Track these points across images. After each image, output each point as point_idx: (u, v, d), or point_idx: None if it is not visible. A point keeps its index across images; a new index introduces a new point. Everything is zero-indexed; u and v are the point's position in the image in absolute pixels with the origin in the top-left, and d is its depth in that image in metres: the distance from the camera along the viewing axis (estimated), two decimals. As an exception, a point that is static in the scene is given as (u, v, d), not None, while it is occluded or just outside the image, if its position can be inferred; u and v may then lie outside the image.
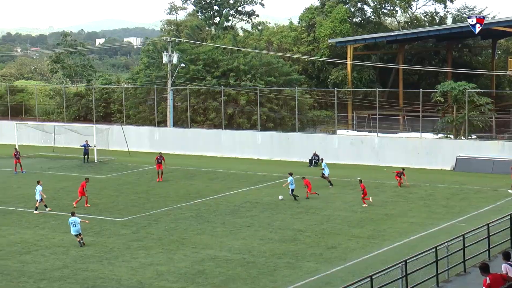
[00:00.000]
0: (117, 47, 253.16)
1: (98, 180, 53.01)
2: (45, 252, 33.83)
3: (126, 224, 39.38)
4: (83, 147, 61.93)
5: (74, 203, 43.74)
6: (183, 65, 73.11)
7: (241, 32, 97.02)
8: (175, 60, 71.09)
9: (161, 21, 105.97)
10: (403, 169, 51.02)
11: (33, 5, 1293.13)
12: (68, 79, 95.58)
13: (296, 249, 33.63)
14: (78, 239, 34.95)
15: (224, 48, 77.12)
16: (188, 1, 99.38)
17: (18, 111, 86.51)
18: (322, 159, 54.06)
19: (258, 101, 68.60)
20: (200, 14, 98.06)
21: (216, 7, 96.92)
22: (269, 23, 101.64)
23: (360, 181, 44.64)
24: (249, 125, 71.36)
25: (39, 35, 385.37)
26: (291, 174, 45.81)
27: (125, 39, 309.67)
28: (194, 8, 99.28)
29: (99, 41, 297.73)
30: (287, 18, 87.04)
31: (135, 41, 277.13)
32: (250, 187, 50.14)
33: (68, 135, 69.58)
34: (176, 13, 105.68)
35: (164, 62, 72.57)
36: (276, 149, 64.15)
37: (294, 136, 64.37)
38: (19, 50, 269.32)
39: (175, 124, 72.85)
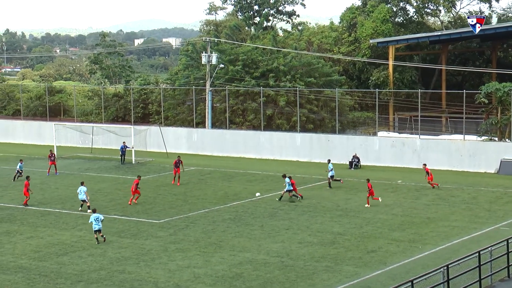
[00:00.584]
0: (156, 48, 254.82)
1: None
2: (82, 253, 34.18)
3: (164, 226, 39.62)
4: (121, 148, 62.45)
5: (130, 201, 45.10)
6: (222, 65, 73.36)
7: (281, 32, 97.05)
8: (214, 60, 71.35)
9: (200, 21, 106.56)
10: (425, 164, 50.73)
11: (72, 5, 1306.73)
12: (106, 80, 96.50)
13: (335, 252, 33.56)
14: (96, 236, 35.85)
15: (263, 49, 77.22)
16: (227, 1, 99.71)
17: (57, 112, 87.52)
18: (329, 160, 52.93)
19: (297, 102, 68.57)
20: (239, 14, 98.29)
21: (256, 7, 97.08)
22: (310, 23, 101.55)
23: (368, 180, 44.79)
24: (288, 127, 71.35)
25: (78, 36, 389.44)
26: (286, 176, 46.28)
27: (164, 40, 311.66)
28: (234, 8, 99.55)
29: (137, 42, 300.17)
30: (328, 18, 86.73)
31: (174, 42, 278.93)
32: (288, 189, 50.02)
33: (106, 136, 70.21)
34: (216, 13, 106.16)
35: (203, 62, 72.89)
36: (316, 151, 64.05)
37: (334, 138, 64.21)
38: (58, 51, 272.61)
39: (214, 125, 73.13)
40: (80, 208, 43.53)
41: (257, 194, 47.12)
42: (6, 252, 34.58)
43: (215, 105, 74.78)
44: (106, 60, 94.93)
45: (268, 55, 76.39)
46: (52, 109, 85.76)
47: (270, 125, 71.29)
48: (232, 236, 36.98)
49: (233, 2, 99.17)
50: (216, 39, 78.43)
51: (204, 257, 33.22)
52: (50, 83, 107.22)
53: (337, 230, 37.98)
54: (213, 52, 73.01)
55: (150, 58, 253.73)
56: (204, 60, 71.88)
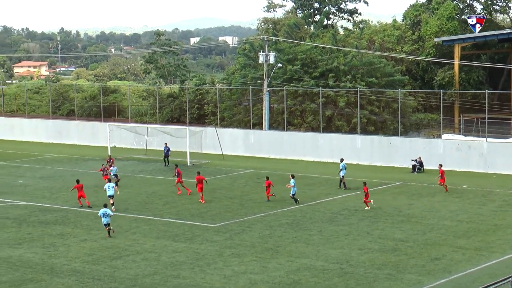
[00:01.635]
0: (212, 47, 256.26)
1: (191, 184, 53.70)
2: (136, 257, 34.53)
3: (219, 230, 39.80)
4: (164, 150, 63.17)
5: (202, 199, 46.58)
6: (280, 65, 73.36)
7: (341, 31, 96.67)
8: (271, 60, 71.40)
9: (258, 19, 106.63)
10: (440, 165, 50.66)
11: (127, 4, 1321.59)
12: (161, 80, 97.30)
13: (397, 260, 33.31)
14: (107, 229, 37.95)
15: (323, 48, 76.99)
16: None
17: (111, 112, 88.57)
18: (342, 159, 53.17)
19: (358, 103, 68.22)
20: (299, 12, 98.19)
21: (316, 5, 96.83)
22: (371, 21, 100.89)
23: (365, 183, 45.06)
24: (348, 128, 71.02)
25: (133, 34, 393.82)
26: (293, 177, 46.68)
27: (220, 38, 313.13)
28: (294, 5, 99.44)
29: (193, 40, 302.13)
30: (390, 16, 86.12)
31: (230, 40, 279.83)
32: (348, 193, 49.91)
33: (161, 137, 70.73)
34: (274, 11, 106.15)
35: (260, 62, 72.98)
36: (377, 154, 63.65)
37: (396, 141, 63.70)
38: (112, 50, 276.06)
39: (271, 127, 73.17)
40: (113, 208, 44.16)
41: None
42: (60, 255, 35.15)
43: (272, 106, 74.80)
44: (161, 60, 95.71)
45: (328, 54, 76.13)
46: (106, 109, 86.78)
47: (329, 127, 71.05)
48: (290, 242, 36.97)
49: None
50: (274, 38, 78.47)
51: (260, 262, 33.27)
52: (104, 83, 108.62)
53: (399, 236, 37.69)
54: (271, 51, 73.05)
55: (206, 57, 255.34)
56: (261, 59, 71.99)
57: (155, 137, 71.30)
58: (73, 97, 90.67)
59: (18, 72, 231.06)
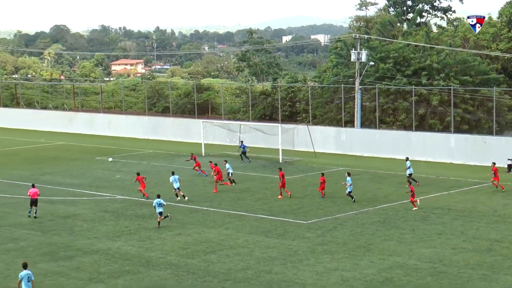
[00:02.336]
0: (304, 45, 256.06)
1: (274, 180, 53.82)
2: (229, 252, 34.85)
3: (311, 227, 39.80)
4: (242, 147, 63.95)
5: (286, 195, 47.07)
6: (372, 63, 72.78)
7: (434, 29, 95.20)
8: (363, 58, 70.89)
9: (350, 17, 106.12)
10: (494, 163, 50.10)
11: (221, 2, 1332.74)
12: (254, 77, 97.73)
13: (492, 260, 32.66)
14: (161, 218, 39.69)
15: (416, 46, 76.03)
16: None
17: (205, 109, 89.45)
18: (407, 158, 53.31)
19: (451, 102, 67.12)
20: (391, 10, 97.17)
21: (409, 2, 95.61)
22: (466, 19, 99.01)
23: (410, 182, 45.64)
24: (441, 127, 69.94)
25: (226, 33, 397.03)
26: (349, 174, 46.40)
27: (312, 36, 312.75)
28: (386, 3, 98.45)
29: (285, 39, 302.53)
30: (486, 13, 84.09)
31: (322, 39, 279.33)
32: (441, 192, 49.20)
33: (254, 135, 71.11)
34: (366, 9, 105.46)
35: (352, 60, 72.55)
36: (471, 153, 62.47)
37: (491, 140, 62.41)
38: (206, 48, 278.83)
39: (363, 125, 72.68)
40: (178, 198, 46.20)
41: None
42: (156, 248, 35.77)
43: (364, 104, 74.27)
44: (253, 58, 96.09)
45: (421, 53, 75.12)
46: (200, 106, 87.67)
47: (422, 125, 70.11)
48: (382, 240, 36.70)
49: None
50: (366, 36, 77.87)
51: (352, 260, 33.15)
52: (198, 81, 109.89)
53: (494, 236, 36.94)
54: (363, 49, 72.54)
55: (298, 55, 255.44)
56: (353, 57, 71.55)
57: (247, 134, 71.65)
58: (168, 95, 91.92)
59: (115, 70, 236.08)
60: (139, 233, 38.76)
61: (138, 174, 49.04)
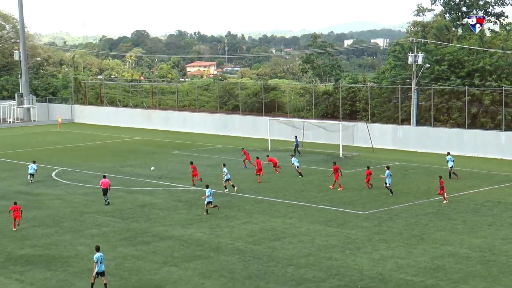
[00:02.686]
0: (364, 48, 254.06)
1: (343, 174, 53.68)
2: (292, 239, 34.92)
3: (368, 217, 39.62)
4: (295, 142, 64.38)
5: (336, 187, 47.34)
6: (428, 65, 71.94)
7: (488, 33, 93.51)
8: (420, 60, 70.15)
9: (407, 23, 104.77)
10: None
11: (287, 8, 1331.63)
12: (317, 78, 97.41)
13: (539, 251, 32.04)
14: (207, 208, 40.56)
15: (469, 49, 74.87)
16: (436, 2, 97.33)
17: (271, 107, 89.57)
18: (448, 153, 53.60)
19: (503, 101, 65.94)
20: (447, 15, 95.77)
21: (464, 8, 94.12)
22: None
23: (440, 177, 44.09)
24: (492, 125, 68.76)
25: (292, 37, 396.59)
26: (388, 168, 45.91)
27: (372, 40, 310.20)
28: (442, 9, 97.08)
29: (347, 42, 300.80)
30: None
31: (381, 42, 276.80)
32: (492, 186, 48.41)
33: (316, 131, 71.01)
34: (423, 15, 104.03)
35: (409, 62, 71.84)
36: (521, 150, 61.30)
37: (540, 137, 61.09)
38: (273, 51, 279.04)
39: (418, 123, 71.90)
40: (226, 190, 46.96)
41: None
42: (225, 235, 36.05)
43: (420, 103, 73.48)
44: (317, 60, 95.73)
45: (474, 55, 73.93)
46: (267, 105, 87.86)
47: (474, 124, 69.02)
48: (435, 230, 36.32)
49: (442, 3, 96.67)
50: (423, 40, 76.96)
51: (406, 248, 32.91)
52: (265, 81, 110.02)
53: (542, 228, 36.21)
54: (420, 52, 71.74)
55: (359, 58, 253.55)
56: (410, 60, 70.81)
57: (310, 130, 71.60)
58: (237, 94, 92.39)
59: (190, 72, 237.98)
60: (209, 221, 39.10)
61: (191, 163, 50.73)
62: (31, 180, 51.23)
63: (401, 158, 61.60)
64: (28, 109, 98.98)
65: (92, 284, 28.06)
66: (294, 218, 39.73)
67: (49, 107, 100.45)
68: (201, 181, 49.38)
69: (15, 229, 37.90)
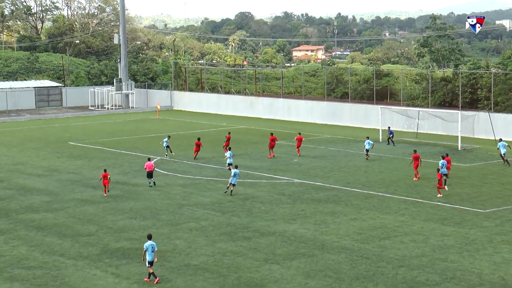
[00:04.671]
0: (488, 30, 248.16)
1: (461, 168, 52.63)
2: (404, 238, 34.46)
3: (489, 216, 38.65)
4: (389, 132, 64.55)
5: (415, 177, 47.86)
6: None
7: None
8: (551, 43, 67.86)
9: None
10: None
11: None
12: (434, 64, 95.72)
13: None
14: (230, 188, 44.40)
15: None
16: None
17: (383, 95, 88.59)
18: (500, 139, 55.64)
19: None
20: None
21: None
22: None
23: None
24: None
25: (407, 19, 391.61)
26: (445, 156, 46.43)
27: (497, 22, 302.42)
28: None
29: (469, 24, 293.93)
30: None
31: (507, 24, 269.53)
32: None
33: (432, 121, 69.77)
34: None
35: (538, 45, 69.59)
36: None
37: None
38: (387, 34, 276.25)
39: (548, 113, 69.59)
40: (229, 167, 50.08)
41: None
42: (331, 232, 35.91)
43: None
44: (435, 43, 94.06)
45: None
46: (379, 92, 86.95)
47: None
48: None
49: None
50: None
51: (532, 251, 31.92)
52: (378, 67, 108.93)
53: None
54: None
55: (481, 41, 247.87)
56: (540, 43, 68.59)
57: (426, 120, 70.41)
58: (347, 80, 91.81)
59: (296, 56, 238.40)
60: (314, 217, 39.04)
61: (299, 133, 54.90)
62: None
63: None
64: (127, 95, 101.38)
65: (149, 274, 29.13)
66: (406, 215, 39.18)
67: (148, 93, 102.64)
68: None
69: (106, 194, 44.68)
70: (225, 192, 44.61)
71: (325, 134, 72.62)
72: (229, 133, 62.98)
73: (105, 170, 45.99)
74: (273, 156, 58.14)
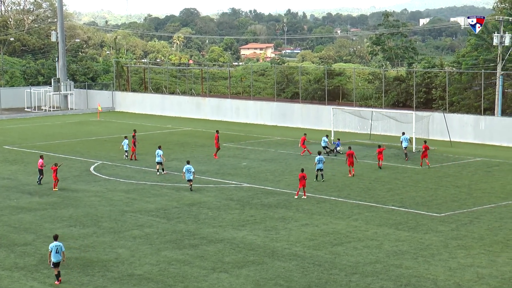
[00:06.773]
0: (442, 28, 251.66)
1: (416, 171, 53.22)
2: (357, 244, 34.71)
3: (445, 220, 39.14)
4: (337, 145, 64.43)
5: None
6: (516, 47, 70.74)
7: None
8: (507, 41, 68.97)
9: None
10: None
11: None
12: (388, 62, 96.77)
13: None
14: (189, 185, 46.57)
15: None
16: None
17: (335, 95, 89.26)
18: (403, 133, 58.97)
19: None
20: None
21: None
22: None
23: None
24: None
25: (360, 16, 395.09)
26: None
27: (452, 19, 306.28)
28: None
29: (422, 21, 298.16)
30: None
31: (462, 21, 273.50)
32: None
33: (386, 122, 70.49)
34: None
35: (494, 44, 70.72)
36: None
37: None
38: (338, 32, 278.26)
39: (504, 113, 70.82)
40: (158, 173, 52.87)
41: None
42: (281, 238, 36.02)
43: (506, 90, 72.34)
44: (388, 41, 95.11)
45: None
46: (331, 92, 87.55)
47: None
48: (521, 236, 35.73)
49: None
50: (510, 18, 75.64)
51: (489, 256, 32.43)
52: (329, 66, 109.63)
53: None
54: (507, 32, 70.53)
55: (436, 39, 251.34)
56: (495, 41, 69.69)
57: (379, 121, 71.09)
58: (297, 80, 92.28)
59: (244, 54, 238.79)
60: (264, 223, 39.12)
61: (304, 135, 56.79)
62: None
63: (483, 153, 60.77)
64: (65, 96, 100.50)
65: (56, 275, 29.83)
66: (359, 220, 39.48)
67: (88, 94, 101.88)
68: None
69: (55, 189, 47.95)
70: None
71: (275, 136, 72.84)
72: (217, 131, 62.33)
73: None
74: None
